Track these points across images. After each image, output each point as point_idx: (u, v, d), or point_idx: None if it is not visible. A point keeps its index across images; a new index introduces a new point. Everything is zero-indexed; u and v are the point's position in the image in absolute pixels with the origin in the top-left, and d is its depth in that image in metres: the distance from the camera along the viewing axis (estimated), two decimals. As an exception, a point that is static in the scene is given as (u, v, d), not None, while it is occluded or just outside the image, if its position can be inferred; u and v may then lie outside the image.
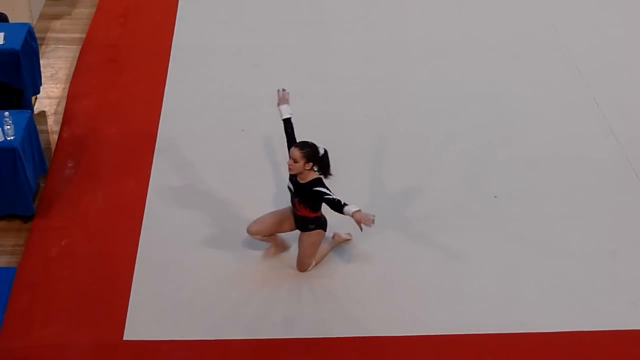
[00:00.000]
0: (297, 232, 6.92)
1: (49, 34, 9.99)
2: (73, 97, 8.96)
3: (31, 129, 7.57)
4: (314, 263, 7.04)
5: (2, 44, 8.26)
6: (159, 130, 8.53)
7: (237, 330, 6.62)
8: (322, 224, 6.86)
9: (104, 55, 9.60)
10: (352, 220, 6.31)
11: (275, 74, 9.36)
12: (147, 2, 10.67)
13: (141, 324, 6.64)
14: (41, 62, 8.94)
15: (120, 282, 6.96)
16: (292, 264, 7.10)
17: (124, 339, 6.53)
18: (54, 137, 8.48)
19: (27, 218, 7.52)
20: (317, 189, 6.50)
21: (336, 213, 6.44)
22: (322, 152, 6.65)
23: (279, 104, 6.96)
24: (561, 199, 7.86)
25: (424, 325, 6.69)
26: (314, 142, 6.64)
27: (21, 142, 7.28)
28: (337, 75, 9.40)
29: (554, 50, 9.90)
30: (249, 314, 6.75)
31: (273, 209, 7.26)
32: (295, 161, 6.53)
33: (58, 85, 9.23)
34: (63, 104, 8.89)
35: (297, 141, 6.67)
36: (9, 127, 7.23)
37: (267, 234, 6.91)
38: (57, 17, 10.37)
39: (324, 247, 7.10)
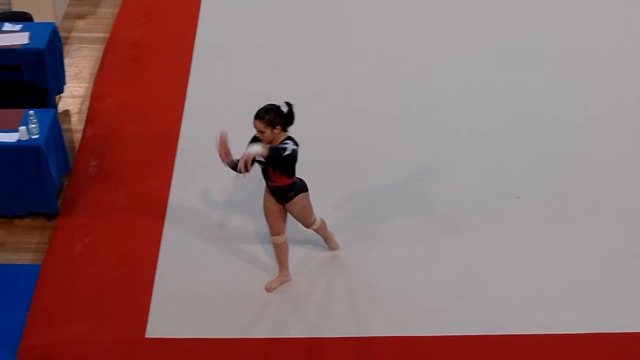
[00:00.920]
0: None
1: (73, 34, 10.06)
2: (96, 96, 9.02)
3: (55, 127, 7.63)
4: (319, 219, 6.90)
5: (27, 44, 8.32)
6: (181, 130, 8.57)
7: (259, 329, 6.64)
8: (300, 187, 6.58)
9: (127, 55, 9.66)
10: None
11: (296, 73, 9.38)
12: (170, 2, 10.71)
13: (163, 321, 6.67)
14: (65, 61, 9.01)
15: (142, 280, 7.00)
16: (316, 264, 7.10)
17: (146, 336, 6.57)
18: (77, 136, 8.54)
19: (51, 216, 7.58)
20: (284, 144, 6.23)
21: None
22: (285, 108, 6.31)
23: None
24: (584, 200, 7.83)
25: (445, 325, 6.67)
26: (272, 103, 6.33)
27: (45, 141, 7.33)
28: (359, 75, 9.40)
29: (578, 50, 9.85)
30: (271, 313, 6.76)
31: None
32: (262, 132, 6.24)
33: (82, 84, 9.29)
34: (87, 103, 8.95)
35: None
36: (33, 125, 7.29)
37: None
38: (81, 16, 10.44)
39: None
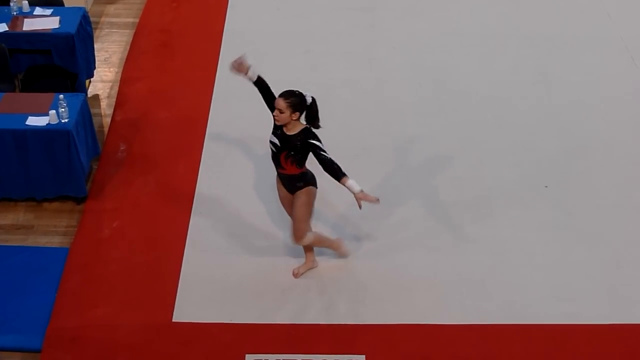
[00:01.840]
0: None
1: (103, 19, 10.11)
2: (126, 81, 9.06)
3: (85, 112, 7.68)
4: (312, 236, 6.66)
5: (58, 28, 8.37)
6: (210, 115, 8.60)
7: (284, 314, 6.66)
8: (309, 179, 6.48)
9: (156, 40, 9.69)
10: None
11: (325, 60, 9.37)
12: (200, -12, 10.74)
13: (190, 306, 6.71)
14: (95, 46, 9.06)
15: (170, 264, 7.04)
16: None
17: (172, 320, 6.61)
18: (107, 120, 8.59)
19: (79, 200, 7.64)
20: (312, 142, 6.18)
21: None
22: (309, 100, 6.24)
23: (242, 74, 6.47)
24: (613, 190, 7.76)
25: (471, 314, 6.66)
26: (300, 90, 6.28)
27: (75, 125, 7.38)
28: (388, 62, 9.37)
29: (608, 39, 9.75)
30: (296, 299, 6.78)
31: (319, 193, 7.30)
32: (281, 111, 6.16)
33: (111, 69, 9.34)
34: (116, 88, 8.99)
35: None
36: (63, 109, 7.33)
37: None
38: (111, 1, 10.48)
39: (326, 237, 6.93)
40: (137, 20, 10.03)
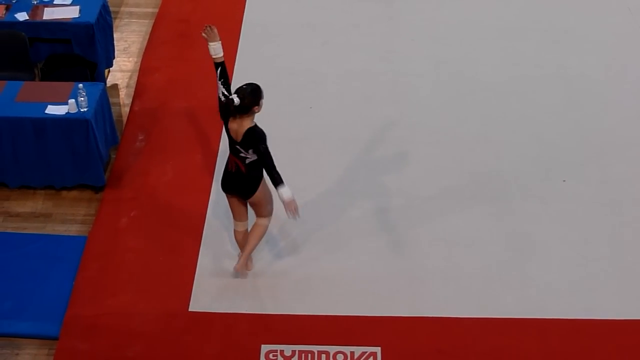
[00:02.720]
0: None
1: (122, 8, 10.12)
2: (145, 70, 9.08)
3: (104, 101, 7.70)
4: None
5: (78, 17, 8.40)
6: (228, 106, 8.58)
7: (299, 306, 6.67)
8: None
9: (176, 30, 9.69)
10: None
11: (343, 52, 9.35)
12: (219, -22, 10.73)
13: (206, 295, 6.74)
14: (114, 35, 9.07)
15: (187, 254, 7.07)
16: (360, 243, 7.12)
17: (189, 310, 6.64)
18: (125, 110, 8.62)
19: (98, 189, 7.67)
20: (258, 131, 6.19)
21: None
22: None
23: (209, 42, 6.38)
24: (632, 185, 7.72)
25: (488, 308, 6.66)
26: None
27: (94, 114, 7.41)
28: (406, 55, 9.33)
29: (629, 34, 9.68)
30: (312, 290, 6.79)
31: (338, 186, 7.30)
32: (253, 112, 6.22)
33: (130, 58, 9.36)
34: (135, 78, 9.02)
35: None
36: (82, 99, 7.36)
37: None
38: (130, -9, 10.50)
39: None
40: (156, 10, 10.03)
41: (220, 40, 6.36)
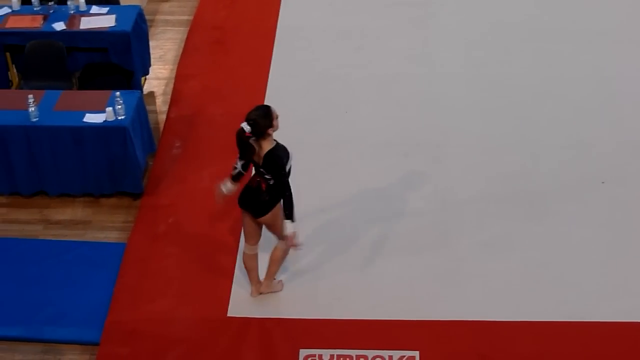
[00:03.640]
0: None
1: (157, 16, 10.20)
2: (181, 78, 9.15)
3: (141, 109, 7.78)
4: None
5: (114, 26, 8.48)
6: (263, 112, 8.61)
7: (338, 310, 6.68)
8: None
9: (210, 37, 9.75)
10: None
11: (378, 55, 9.35)
12: (253, -15, 10.78)
13: (245, 301, 6.77)
14: (150, 43, 9.14)
15: (224, 259, 7.11)
16: (396, 247, 7.12)
17: (227, 315, 6.68)
18: (162, 117, 8.69)
19: (136, 196, 7.74)
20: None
21: None
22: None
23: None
24: (672, 186, 7.65)
25: (526, 311, 6.62)
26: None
27: (131, 122, 7.48)
28: (441, 58, 9.30)
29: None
30: (350, 295, 6.80)
31: (373, 191, 7.29)
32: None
33: (166, 66, 9.44)
34: (171, 85, 9.09)
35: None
36: (119, 107, 7.44)
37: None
38: (166, -1, 10.59)
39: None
40: (191, 17, 10.11)
41: (229, 185, 6.44)
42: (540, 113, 8.51)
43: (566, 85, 8.85)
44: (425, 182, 7.78)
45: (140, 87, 8.81)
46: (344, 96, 8.81)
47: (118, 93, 7.51)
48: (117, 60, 8.51)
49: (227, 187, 6.45)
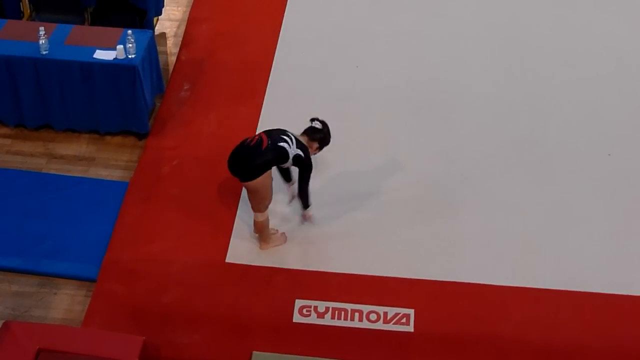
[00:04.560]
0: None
1: (173, -43, 10.10)
2: (193, 21, 9.07)
3: (152, 49, 7.72)
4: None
5: (129, -36, 8.40)
6: (274, 60, 8.58)
7: (335, 263, 6.69)
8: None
9: (225, -19, 9.66)
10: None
11: (393, 10, 9.23)
12: None
13: (243, 248, 6.79)
14: (165, -16, 9.08)
15: (226, 206, 7.11)
16: (402, 209, 7.11)
17: (226, 261, 6.70)
18: (172, 59, 8.63)
19: (141, 135, 7.73)
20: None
21: None
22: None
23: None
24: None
25: (523, 277, 6.63)
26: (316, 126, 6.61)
27: (141, 61, 7.43)
28: (457, 17, 9.17)
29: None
30: (348, 249, 6.81)
31: (379, 146, 7.28)
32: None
33: (179, 8, 9.35)
34: (183, 27, 9.02)
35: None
36: (130, 45, 7.38)
37: None
38: (182, -60, 10.46)
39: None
40: (207, -40, 10.00)
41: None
42: (551, 80, 8.43)
43: (577, 53, 8.74)
44: (433, 141, 7.75)
45: (152, 27, 8.74)
46: (356, 50, 8.74)
47: (130, 31, 7.45)
48: (130, -2, 8.44)
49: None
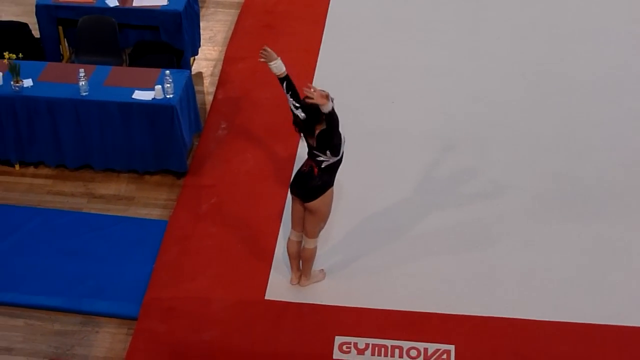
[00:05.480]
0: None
1: (209, -2, 10.25)
2: (229, 60, 9.17)
3: (189, 88, 7.81)
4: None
5: (166, 5, 8.53)
6: (310, 98, 8.61)
7: (375, 299, 6.68)
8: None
9: (261, 21, 9.76)
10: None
11: (428, 46, 9.30)
12: (305, -29, 10.76)
13: (283, 285, 6.80)
14: (201, 24, 9.18)
15: (264, 242, 7.14)
16: (438, 242, 7.09)
17: (265, 298, 6.71)
18: (209, 98, 8.72)
19: (180, 174, 7.79)
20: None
21: None
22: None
23: (269, 62, 6.42)
24: None
25: (564, 311, 6.57)
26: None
27: (179, 101, 7.52)
28: (490, 53, 9.22)
29: None
30: (388, 285, 6.80)
31: (416, 183, 7.27)
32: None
33: (215, 47, 9.47)
34: (219, 67, 9.12)
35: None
36: (169, 85, 7.48)
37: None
38: (217, -19, 10.61)
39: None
40: (242, 0, 10.12)
41: (278, 57, 6.36)
42: (589, 112, 8.41)
43: (614, 87, 8.70)
44: (469, 176, 7.74)
45: (189, 67, 8.85)
46: (391, 86, 8.79)
47: (168, 71, 7.55)
48: (167, 39, 8.56)
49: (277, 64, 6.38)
